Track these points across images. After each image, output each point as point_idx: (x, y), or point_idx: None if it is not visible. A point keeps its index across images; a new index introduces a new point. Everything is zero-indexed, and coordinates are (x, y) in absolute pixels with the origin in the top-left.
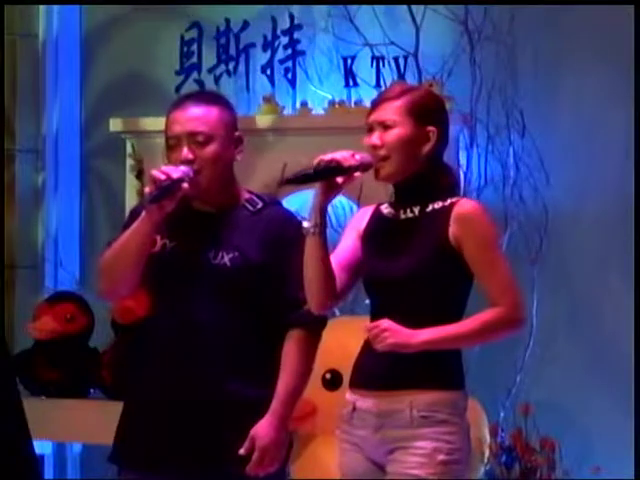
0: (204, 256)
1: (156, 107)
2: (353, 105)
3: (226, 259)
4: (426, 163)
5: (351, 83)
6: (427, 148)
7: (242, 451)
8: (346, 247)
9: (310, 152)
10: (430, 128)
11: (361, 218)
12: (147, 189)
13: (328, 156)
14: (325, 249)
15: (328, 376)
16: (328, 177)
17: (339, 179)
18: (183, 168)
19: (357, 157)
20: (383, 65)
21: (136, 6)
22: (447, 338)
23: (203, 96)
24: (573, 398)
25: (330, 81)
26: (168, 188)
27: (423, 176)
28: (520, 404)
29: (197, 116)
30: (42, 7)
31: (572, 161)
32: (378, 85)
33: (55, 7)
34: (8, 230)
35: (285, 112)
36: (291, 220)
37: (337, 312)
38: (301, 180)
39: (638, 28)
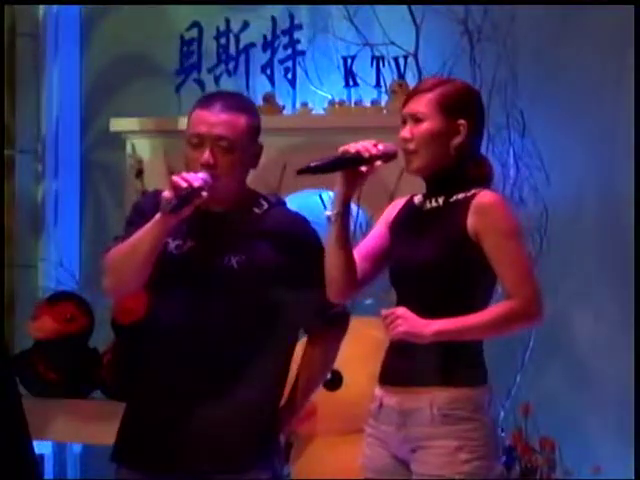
0: (211, 258)
1: (156, 107)
2: (353, 105)
3: (233, 261)
4: (456, 156)
5: (351, 83)
6: (457, 142)
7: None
8: (372, 237)
9: (310, 152)
10: (461, 121)
11: (393, 208)
12: (166, 193)
13: (348, 146)
14: (346, 237)
15: (328, 376)
16: (343, 168)
17: (363, 168)
18: (202, 175)
19: (380, 147)
20: (383, 65)
21: (136, 6)
22: (460, 329)
23: (234, 100)
24: (573, 398)
25: (330, 81)
26: (188, 196)
27: (452, 168)
28: (520, 404)
29: (225, 121)
30: (42, 7)
31: (572, 161)
32: (378, 85)
33: (55, 7)
34: (8, 230)
35: (285, 112)
36: (299, 221)
37: None
38: (315, 170)
39: (638, 28)
